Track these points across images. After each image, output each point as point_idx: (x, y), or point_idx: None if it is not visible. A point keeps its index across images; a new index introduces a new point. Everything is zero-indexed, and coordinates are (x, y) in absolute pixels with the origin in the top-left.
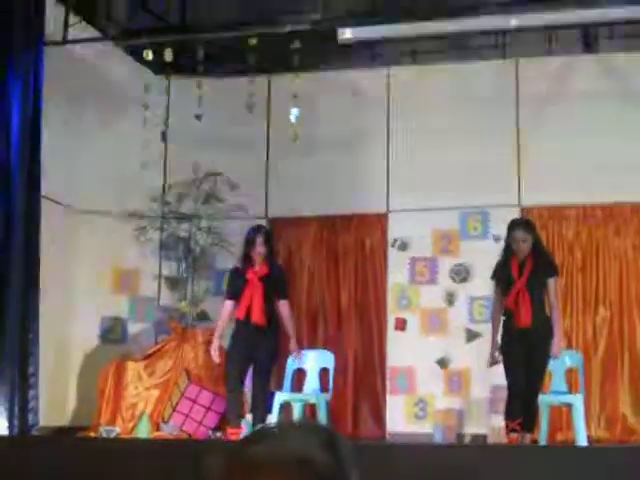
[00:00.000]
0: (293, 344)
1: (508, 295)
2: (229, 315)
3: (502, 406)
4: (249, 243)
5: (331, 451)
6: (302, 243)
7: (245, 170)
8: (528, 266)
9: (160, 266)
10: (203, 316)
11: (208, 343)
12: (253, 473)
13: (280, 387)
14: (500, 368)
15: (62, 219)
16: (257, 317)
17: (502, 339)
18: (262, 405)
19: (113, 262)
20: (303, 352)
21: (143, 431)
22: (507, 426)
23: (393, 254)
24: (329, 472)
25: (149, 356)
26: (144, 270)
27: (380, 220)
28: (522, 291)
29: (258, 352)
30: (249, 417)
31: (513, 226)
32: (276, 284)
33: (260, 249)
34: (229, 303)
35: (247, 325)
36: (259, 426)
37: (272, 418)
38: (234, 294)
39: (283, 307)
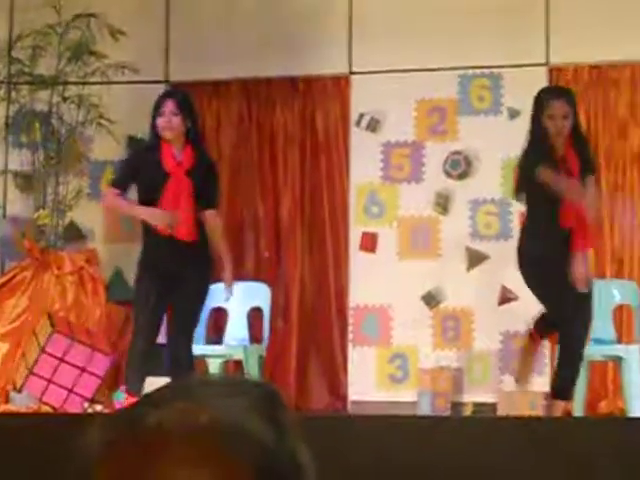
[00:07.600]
0: (228, 274)
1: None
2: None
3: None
4: (156, 109)
5: (269, 417)
6: (220, 121)
7: (134, 9)
8: (571, 159)
9: (6, 155)
10: (73, 231)
11: (80, 270)
12: (153, 452)
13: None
14: (515, 307)
15: None
16: (186, 232)
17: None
18: (186, 363)
19: None
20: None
21: None
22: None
23: (358, 137)
24: (267, 447)
25: None
26: None
27: (338, 86)
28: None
29: (182, 284)
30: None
31: (547, 94)
32: (204, 183)
33: (172, 120)
34: (115, 192)
35: (168, 244)
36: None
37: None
38: (134, 185)
39: (212, 219)
